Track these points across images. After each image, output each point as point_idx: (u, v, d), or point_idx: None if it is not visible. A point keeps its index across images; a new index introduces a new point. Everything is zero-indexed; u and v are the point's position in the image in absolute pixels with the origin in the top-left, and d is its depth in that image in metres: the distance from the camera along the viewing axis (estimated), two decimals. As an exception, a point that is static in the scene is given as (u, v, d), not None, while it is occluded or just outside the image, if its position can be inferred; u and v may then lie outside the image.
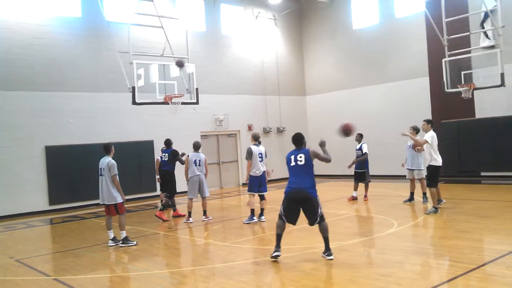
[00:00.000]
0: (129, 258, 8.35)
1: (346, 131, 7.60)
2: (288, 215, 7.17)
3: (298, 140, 7.47)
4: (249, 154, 10.68)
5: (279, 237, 7.17)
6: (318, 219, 7.06)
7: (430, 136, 10.41)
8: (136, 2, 15.40)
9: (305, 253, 7.54)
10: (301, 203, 7.11)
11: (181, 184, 12.88)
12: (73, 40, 16.04)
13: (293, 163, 7.20)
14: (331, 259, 7.00)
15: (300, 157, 7.20)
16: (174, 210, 12.36)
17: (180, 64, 11.94)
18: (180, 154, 12.07)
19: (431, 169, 10.43)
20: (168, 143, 12.42)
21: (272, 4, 21.67)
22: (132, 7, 13.90)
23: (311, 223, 7.17)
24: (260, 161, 10.73)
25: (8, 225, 13.07)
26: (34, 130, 15.04)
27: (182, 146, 12.57)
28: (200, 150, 11.69)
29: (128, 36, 12.01)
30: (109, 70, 15.93)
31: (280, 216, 7.22)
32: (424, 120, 10.90)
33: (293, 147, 7.53)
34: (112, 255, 8.64)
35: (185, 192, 11.70)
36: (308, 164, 7.20)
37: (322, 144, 7.60)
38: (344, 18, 21.22)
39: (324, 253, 7.13)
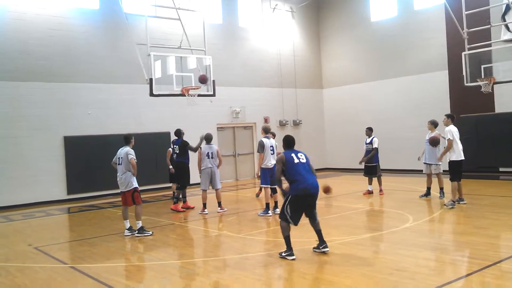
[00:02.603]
0: (145, 248, 8.44)
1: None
2: (297, 216, 6.96)
3: (293, 142, 7.32)
4: (261, 147, 10.73)
5: (288, 239, 6.99)
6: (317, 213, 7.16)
7: (448, 131, 10.36)
8: (153, -6, 15.43)
9: (319, 246, 7.53)
10: (310, 199, 7.03)
11: (194, 176, 12.95)
12: (91, 31, 16.18)
13: (297, 161, 7.02)
14: (328, 250, 7.04)
15: (301, 155, 7.13)
16: (184, 201, 12.43)
17: (203, 81, 11.87)
18: (200, 137, 11.83)
19: (452, 163, 10.41)
20: (178, 133, 12.44)
21: (290, -4, 21.55)
22: (150, -1, 13.95)
23: (314, 217, 7.11)
24: (272, 154, 10.76)
25: (27, 214, 13.32)
26: (52, 121, 15.25)
27: (198, 138, 12.59)
28: (213, 142, 11.73)
29: (146, 28, 12.06)
30: (126, 62, 16.04)
31: (285, 219, 6.95)
32: (445, 115, 10.93)
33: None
34: (127, 245, 8.75)
35: (199, 184, 11.79)
36: (308, 162, 7.15)
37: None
38: (362, 10, 21.00)
39: (320, 245, 7.11)
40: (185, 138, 12.41)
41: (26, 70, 14.89)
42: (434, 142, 11.22)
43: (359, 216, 10.42)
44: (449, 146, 10.40)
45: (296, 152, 7.16)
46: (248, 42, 20.41)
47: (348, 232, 8.56)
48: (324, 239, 7.15)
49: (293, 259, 6.86)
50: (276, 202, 10.92)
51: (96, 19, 16.33)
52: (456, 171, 10.42)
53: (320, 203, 10.84)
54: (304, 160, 7.11)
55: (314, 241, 7.26)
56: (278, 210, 10.57)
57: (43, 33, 15.24)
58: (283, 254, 6.97)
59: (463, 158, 10.44)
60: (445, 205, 10.38)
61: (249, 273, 6.37)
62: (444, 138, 10.71)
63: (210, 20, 18.10)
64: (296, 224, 6.97)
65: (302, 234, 7.98)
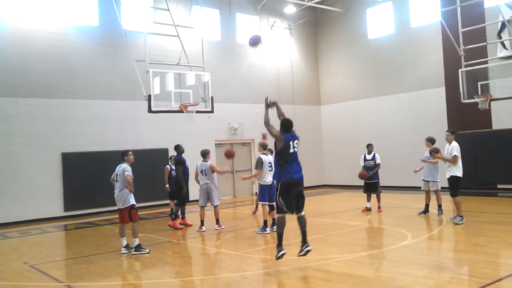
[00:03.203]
0: (142, 266, 8.38)
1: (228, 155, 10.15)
2: (289, 203, 7.23)
3: (291, 124, 7.48)
4: (260, 163, 10.69)
5: (281, 236, 7.26)
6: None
7: (456, 147, 10.47)
8: (152, 11, 15.58)
9: (317, 264, 7.48)
10: (294, 187, 7.25)
11: (193, 192, 12.92)
12: (90, 48, 16.26)
13: (292, 150, 7.32)
14: (310, 249, 7.17)
15: (297, 143, 7.41)
16: (182, 218, 12.35)
17: (229, 155, 11.57)
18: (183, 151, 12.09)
19: (454, 179, 10.42)
20: (176, 148, 12.32)
21: (288, 14, 21.74)
22: (149, 16, 14.07)
23: (301, 209, 7.28)
24: (270, 170, 10.72)
25: (23, 231, 13.22)
26: (50, 137, 15.23)
27: (196, 154, 12.58)
28: (209, 158, 11.65)
29: (145, 44, 12.15)
30: (125, 78, 16.11)
31: (280, 210, 7.26)
32: (447, 131, 10.96)
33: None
34: (124, 263, 8.68)
35: (197, 200, 11.73)
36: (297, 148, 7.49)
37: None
38: (360, 27, 21.18)
39: (302, 246, 7.21)
40: (184, 154, 12.32)
41: (25, 86, 14.92)
42: (435, 150, 11.03)
43: (357, 234, 10.37)
44: (454, 162, 10.43)
45: (293, 139, 7.38)
46: (246, 58, 20.53)
47: (346, 250, 8.51)
48: (307, 240, 7.26)
49: (283, 254, 7.17)
50: (274, 220, 10.84)
51: (95, 36, 16.42)
52: (458, 186, 10.45)
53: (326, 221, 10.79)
54: (297, 149, 7.42)
55: (312, 258, 7.21)
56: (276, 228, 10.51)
57: (42, 49, 15.31)
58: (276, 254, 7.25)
59: (461, 175, 10.48)
60: (454, 223, 10.33)
61: (246, 292, 6.32)
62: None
63: (208, 37, 18.24)
64: (292, 212, 7.25)
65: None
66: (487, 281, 6.15)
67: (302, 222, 7.28)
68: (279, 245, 7.27)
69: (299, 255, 7.24)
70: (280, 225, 7.32)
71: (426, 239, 9.41)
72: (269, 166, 10.75)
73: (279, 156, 7.35)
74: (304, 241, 7.26)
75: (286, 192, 7.23)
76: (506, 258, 7.67)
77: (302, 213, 7.31)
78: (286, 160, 7.28)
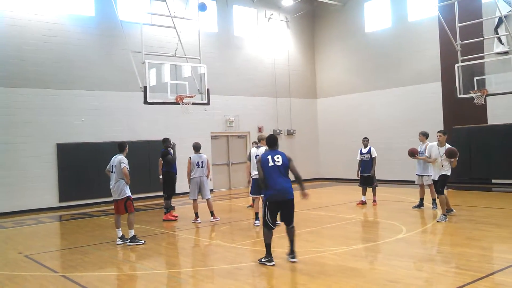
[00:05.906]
0: (137, 256, 8.38)
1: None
2: (274, 218, 7.12)
3: (274, 141, 7.36)
4: (248, 156, 10.96)
5: (269, 246, 7.09)
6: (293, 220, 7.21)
7: (430, 148, 10.58)
8: (149, 2, 15.46)
9: (313, 256, 7.52)
10: (283, 204, 7.11)
11: (178, 185, 12.85)
12: (86, 38, 16.16)
13: (271, 163, 7.07)
14: (295, 261, 7.10)
15: (278, 157, 7.14)
16: (166, 212, 12.21)
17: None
18: (171, 145, 12.10)
19: (444, 177, 10.35)
20: (164, 142, 12.34)
21: (285, 6, 21.66)
22: (145, 7, 13.98)
23: (289, 223, 7.19)
24: None
25: (18, 221, 13.19)
26: (45, 128, 15.17)
27: (191, 147, 12.53)
28: (205, 151, 11.69)
29: (141, 35, 12.06)
30: (121, 69, 16.04)
31: (266, 225, 7.08)
32: (439, 131, 10.62)
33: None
34: (119, 254, 8.69)
35: (186, 193, 11.67)
36: (285, 165, 7.15)
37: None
38: (357, 21, 21.14)
39: (289, 255, 7.21)
40: (179, 146, 12.30)
41: (20, 76, 14.83)
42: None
43: (353, 227, 10.41)
44: (432, 162, 10.53)
45: (274, 154, 7.17)
46: (243, 51, 20.47)
47: (342, 243, 8.55)
48: (295, 250, 7.22)
49: (273, 265, 6.97)
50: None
51: (91, 26, 16.32)
52: (445, 184, 10.40)
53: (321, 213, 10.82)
54: (280, 163, 7.11)
55: (308, 251, 7.24)
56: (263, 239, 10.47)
57: (38, 39, 15.20)
58: (263, 260, 7.06)
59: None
60: (437, 221, 10.25)
61: (241, 283, 6.34)
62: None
63: (205, 29, 18.15)
64: (274, 226, 7.15)
65: (301, 245, 7.94)
66: (480, 274, 6.21)
67: (290, 232, 7.20)
68: (269, 255, 7.09)
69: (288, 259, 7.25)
70: (267, 237, 7.11)
71: (420, 233, 9.46)
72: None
73: (264, 174, 7.09)
74: (291, 251, 7.21)
75: (271, 208, 7.05)
76: (500, 252, 7.73)
77: (292, 225, 7.21)
78: (267, 176, 7.03)
